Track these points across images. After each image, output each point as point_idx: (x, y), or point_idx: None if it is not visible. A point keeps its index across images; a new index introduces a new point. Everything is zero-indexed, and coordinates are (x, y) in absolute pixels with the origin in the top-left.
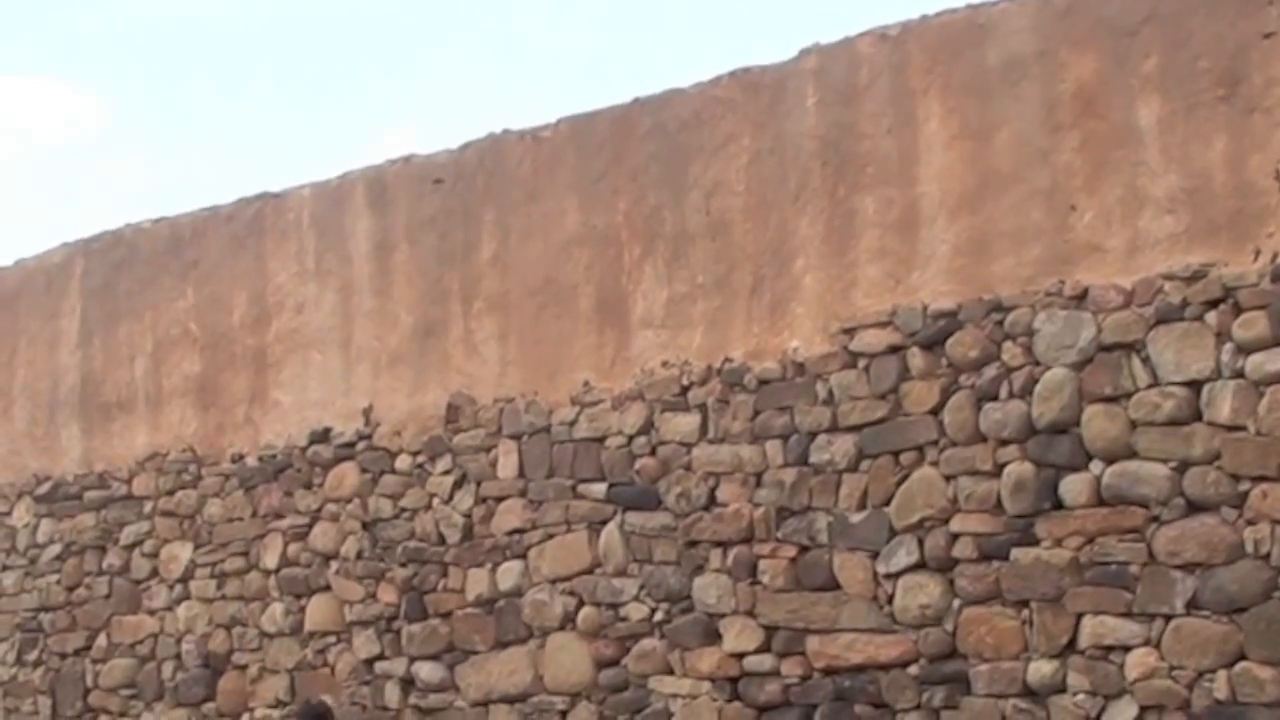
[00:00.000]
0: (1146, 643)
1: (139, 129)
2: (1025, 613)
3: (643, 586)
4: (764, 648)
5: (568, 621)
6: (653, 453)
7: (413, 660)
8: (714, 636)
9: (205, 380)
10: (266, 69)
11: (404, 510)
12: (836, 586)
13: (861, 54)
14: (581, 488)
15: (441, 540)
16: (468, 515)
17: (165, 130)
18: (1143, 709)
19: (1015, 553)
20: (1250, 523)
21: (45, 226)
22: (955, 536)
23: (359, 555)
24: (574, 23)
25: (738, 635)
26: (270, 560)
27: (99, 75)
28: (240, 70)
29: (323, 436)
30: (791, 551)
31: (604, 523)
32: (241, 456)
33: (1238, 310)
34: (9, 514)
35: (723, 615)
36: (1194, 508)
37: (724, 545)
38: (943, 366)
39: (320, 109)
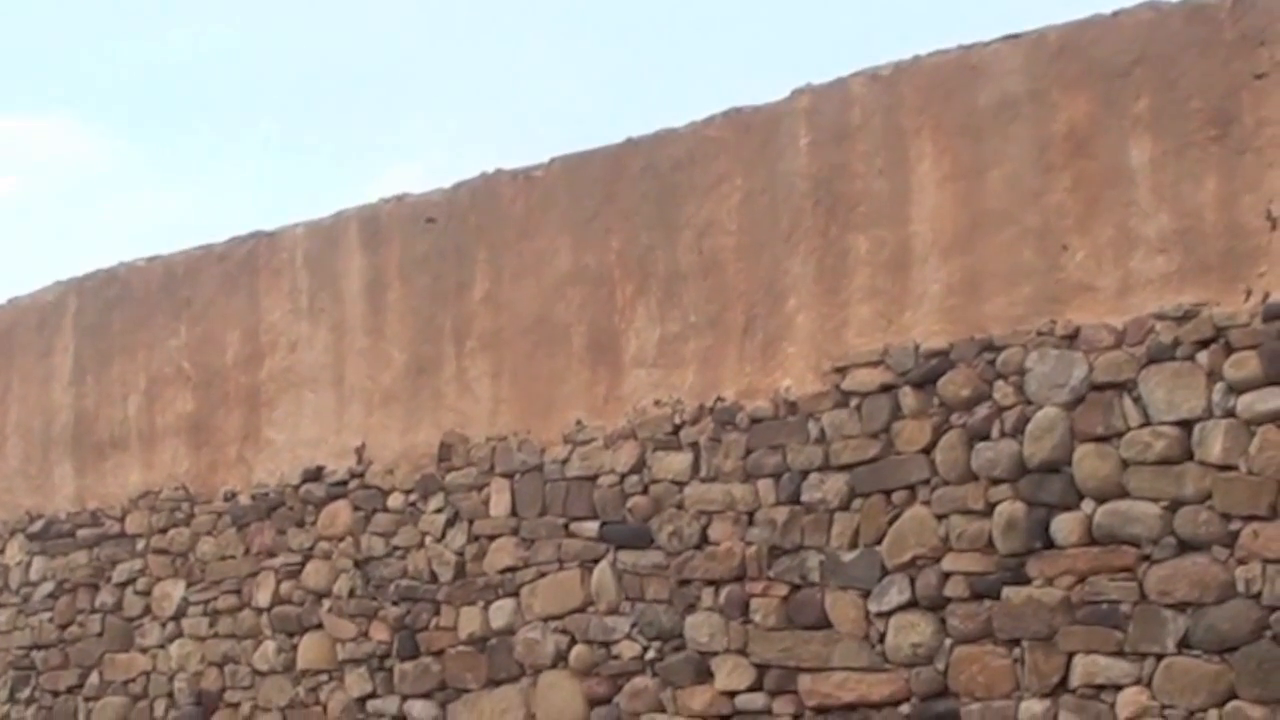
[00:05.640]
0: (1138, 682)
1: (144, 168)
2: (1017, 651)
3: (635, 625)
4: (756, 686)
5: (560, 660)
6: (645, 491)
7: (405, 699)
8: (706, 675)
9: (198, 418)
10: (271, 108)
11: (396, 548)
12: (828, 625)
13: (854, 94)
14: (574, 526)
15: (434, 578)
16: (460, 553)
17: (170, 169)
18: None
19: (1007, 592)
20: (1241, 562)
21: (47, 264)
22: (947, 575)
23: (351, 593)
24: (568, 63)
25: (730, 674)
26: (263, 598)
27: (104, 115)
28: (246, 109)
29: (315, 475)
30: (783, 590)
31: (596, 561)
32: (234, 494)
33: (1229, 350)
34: (1, 552)
35: (714, 654)
36: (1185, 547)
37: (716, 584)
38: (934, 405)
39: (325, 149)
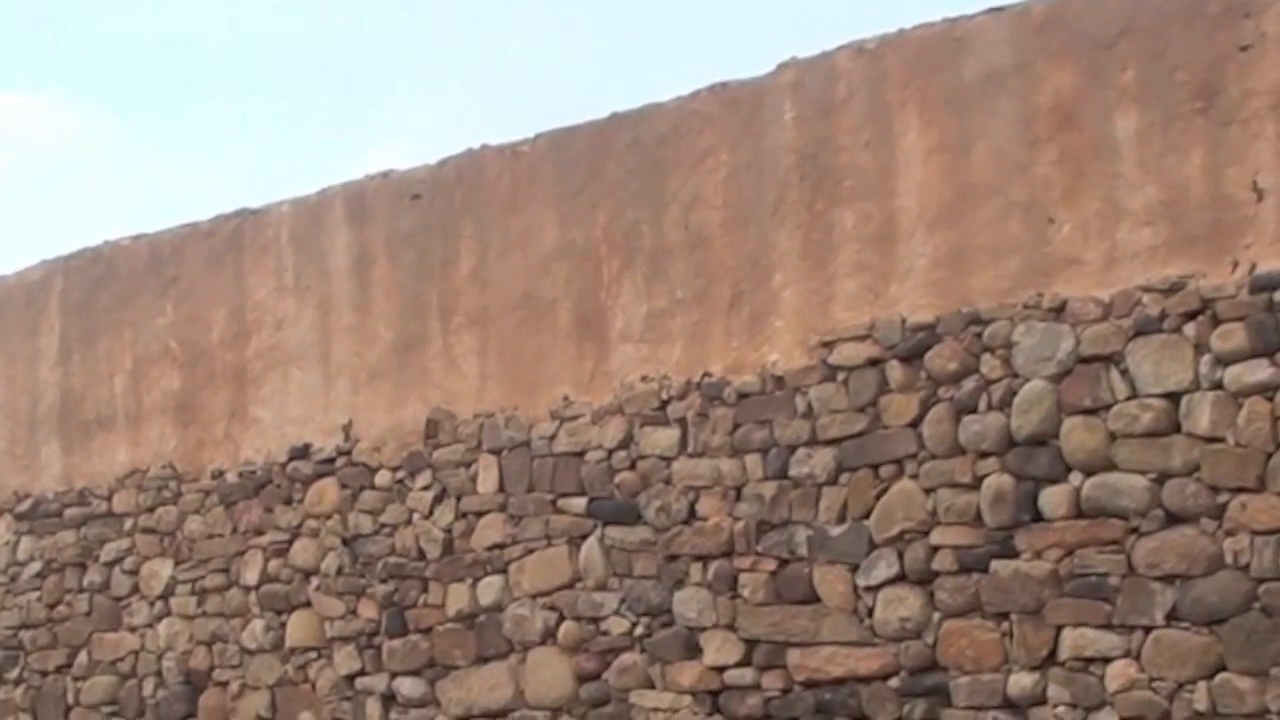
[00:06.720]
0: (1126, 654)
1: (130, 146)
2: (1005, 625)
3: (623, 600)
4: (745, 661)
5: (548, 636)
6: (632, 467)
7: (393, 676)
8: (695, 650)
9: (185, 397)
10: (258, 86)
11: (384, 526)
12: (817, 599)
13: (839, 68)
14: (561, 502)
15: (422, 555)
16: (448, 530)
17: (156, 147)
18: None
19: (995, 565)
20: (1229, 534)
21: (33, 243)
22: (935, 549)
23: (339, 571)
24: (554, 38)
25: (718, 649)
26: (251, 576)
27: (90, 92)
28: (232, 87)
29: (302, 452)
30: (771, 565)
31: (584, 537)
32: (221, 473)
33: (1216, 322)
34: None
35: (703, 629)
36: (1173, 519)
37: (704, 559)
38: (921, 379)
39: (311, 126)
